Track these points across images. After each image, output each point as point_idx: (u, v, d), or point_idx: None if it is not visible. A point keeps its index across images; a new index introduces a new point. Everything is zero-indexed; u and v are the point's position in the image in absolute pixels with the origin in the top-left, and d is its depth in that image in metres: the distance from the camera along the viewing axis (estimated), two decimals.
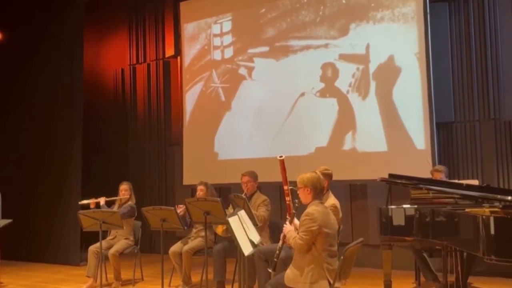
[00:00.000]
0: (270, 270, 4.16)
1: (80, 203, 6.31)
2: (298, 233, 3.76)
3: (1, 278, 6.39)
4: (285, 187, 4.29)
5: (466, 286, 5.13)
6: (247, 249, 3.79)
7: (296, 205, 4.00)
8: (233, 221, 3.79)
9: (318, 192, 3.83)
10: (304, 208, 3.85)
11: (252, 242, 3.92)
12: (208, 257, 5.30)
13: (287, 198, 4.29)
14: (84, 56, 8.36)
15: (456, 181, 5.84)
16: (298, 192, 3.93)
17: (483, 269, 5.79)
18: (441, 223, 4.62)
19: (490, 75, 6.50)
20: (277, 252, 4.05)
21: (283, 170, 4.29)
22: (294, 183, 4.18)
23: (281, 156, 4.32)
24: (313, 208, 3.75)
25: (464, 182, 5.40)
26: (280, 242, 4.04)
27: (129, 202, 6.44)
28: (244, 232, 3.90)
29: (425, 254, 5.43)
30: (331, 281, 3.65)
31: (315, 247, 3.68)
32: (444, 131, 6.71)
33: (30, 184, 8.37)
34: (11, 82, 8.79)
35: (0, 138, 8.76)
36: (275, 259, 4.04)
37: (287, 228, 3.92)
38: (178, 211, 5.68)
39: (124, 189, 6.47)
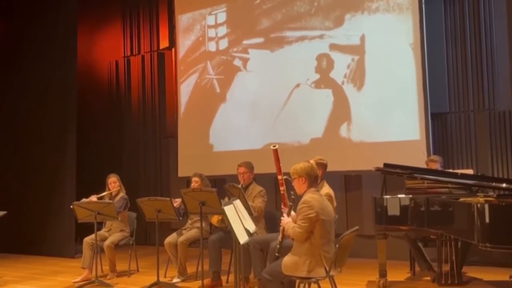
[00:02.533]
0: None
1: (71, 207, 6.20)
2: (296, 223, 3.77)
3: None
4: (279, 177, 4.29)
5: (461, 275, 5.16)
6: (242, 238, 3.79)
7: (292, 196, 4.01)
8: (228, 210, 3.79)
9: (313, 181, 3.85)
10: (300, 199, 3.85)
11: (247, 231, 3.92)
12: (204, 248, 5.30)
13: (282, 188, 4.29)
14: (77, 48, 8.31)
15: (451, 170, 5.86)
16: (292, 183, 3.93)
17: (477, 258, 5.83)
18: (436, 212, 4.65)
19: (485, 66, 6.50)
20: (278, 246, 4.04)
21: (277, 160, 4.29)
22: (289, 174, 4.19)
23: (274, 146, 4.32)
24: (309, 196, 3.76)
25: (459, 171, 5.42)
26: (280, 235, 4.03)
27: (121, 194, 6.42)
28: (240, 221, 3.90)
29: (419, 244, 5.46)
30: (327, 268, 3.66)
31: (313, 235, 3.69)
32: (438, 122, 6.71)
33: (24, 177, 8.34)
34: (3, 74, 8.74)
35: None
36: (277, 254, 4.03)
37: (285, 220, 3.93)
38: (175, 205, 5.67)
39: (113, 181, 6.43)
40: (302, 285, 3.88)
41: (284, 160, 4.35)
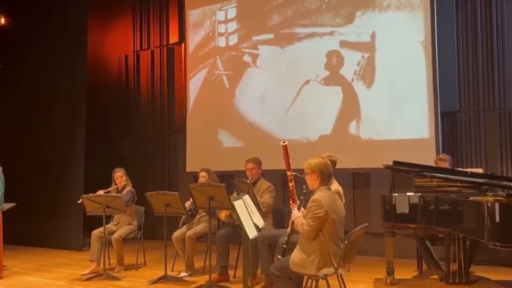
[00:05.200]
0: (279, 256, 4.18)
1: (78, 202, 6.12)
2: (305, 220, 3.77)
3: (4, 261, 6.42)
4: (288, 173, 4.30)
5: (468, 275, 5.14)
6: (251, 233, 3.80)
7: (304, 191, 4.00)
8: (238, 204, 3.80)
9: (326, 178, 3.83)
10: (312, 194, 3.85)
11: (256, 226, 3.93)
12: (211, 243, 5.31)
13: (290, 184, 4.30)
14: (88, 42, 8.34)
15: (460, 169, 5.84)
16: (305, 177, 3.92)
17: (485, 258, 5.82)
18: (446, 210, 4.64)
19: (496, 64, 6.46)
20: (286, 238, 4.06)
21: (286, 155, 4.29)
22: (297, 170, 4.19)
23: (284, 142, 4.33)
24: (319, 195, 3.75)
25: (469, 170, 5.41)
26: (289, 228, 4.05)
27: (128, 188, 6.44)
28: (249, 215, 3.91)
29: (427, 242, 5.45)
30: (336, 266, 3.66)
31: (322, 234, 3.69)
32: (448, 120, 6.69)
33: (33, 169, 8.39)
34: (15, 67, 8.78)
35: (4, 123, 8.78)
36: (284, 245, 4.05)
37: (296, 214, 3.92)
38: (186, 206, 5.68)
39: (120, 175, 6.45)
40: (310, 281, 3.88)
41: (292, 156, 4.35)
